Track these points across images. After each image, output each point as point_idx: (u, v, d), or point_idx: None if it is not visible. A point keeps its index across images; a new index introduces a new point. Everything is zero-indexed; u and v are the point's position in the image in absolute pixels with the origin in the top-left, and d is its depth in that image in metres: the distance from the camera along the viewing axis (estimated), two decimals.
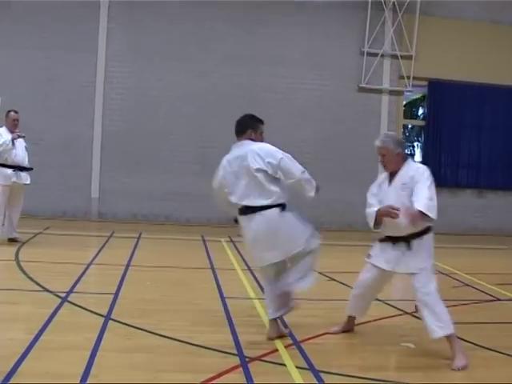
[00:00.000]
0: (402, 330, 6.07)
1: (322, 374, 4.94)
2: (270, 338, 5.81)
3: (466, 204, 17.30)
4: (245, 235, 5.89)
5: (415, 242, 5.58)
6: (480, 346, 5.87)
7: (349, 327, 6.24)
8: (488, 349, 5.88)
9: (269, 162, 5.66)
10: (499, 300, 8.32)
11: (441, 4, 16.92)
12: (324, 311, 7.01)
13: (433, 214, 5.34)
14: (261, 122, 6.14)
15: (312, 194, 5.82)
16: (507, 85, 17.26)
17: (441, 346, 5.60)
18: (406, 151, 5.54)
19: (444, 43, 16.99)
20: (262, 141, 6.02)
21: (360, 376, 4.98)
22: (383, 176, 5.88)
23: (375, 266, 5.78)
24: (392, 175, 5.75)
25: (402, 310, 7.22)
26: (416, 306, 7.20)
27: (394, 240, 5.66)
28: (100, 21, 15.71)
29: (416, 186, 5.48)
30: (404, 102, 18.92)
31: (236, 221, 6.06)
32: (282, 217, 5.70)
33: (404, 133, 17.96)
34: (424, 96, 18.86)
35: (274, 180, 5.69)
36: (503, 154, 17.66)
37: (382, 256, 5.75)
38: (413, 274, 5.56)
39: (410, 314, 6.95)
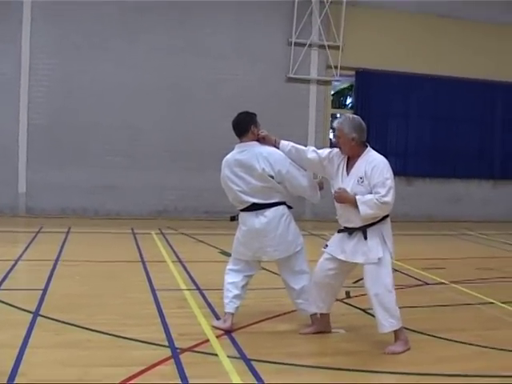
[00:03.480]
0: (332, 316, 6.14)
1: (253, 363, 4.97)
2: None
3: (395, 191, 17.47)
4: (246, 230, 5.91)
5: (371, 233, 5.52)
6: (409, 330, 5.98)
7: (322, 328, 6.02)
8: (417, 332, 6.03)
9: (279, 171, 5.76)
10: (427, 284, 8.56)
11: None
12: (254, 300, 7.03)
13: (363, 211, 5.39)
14: (255, 114, 6.07)
15: (317, 198, 6.10)
16: (432, 74, 17.61)
17: (371, 331, 5.71)
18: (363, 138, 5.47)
19: (370, 33, 17.22)
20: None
21: (292, 363, 5.04)
22: (340, 157, 5.71)
23: (332, 256, 5.67)
24: (349, 162, 5.64)
25: None
26: (346, 292, 7.33)
27: (350, 231, 5.60)
28: (23, 10, 15.26)
29: (376, 186, 5.48)
30: (332, 92, 19.12)
31: (232, 219, 6.12)
32: (288, 215, 5.93)
33: (332, 122, 18.10)
34: (352, 85, 19.09)
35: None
36: (430, 142, 18.04)
37: (338, 246, 5.66)
38: (367, 264, 5.50)
39: (341, 300, 7.03)
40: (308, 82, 17.21)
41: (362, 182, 5.50)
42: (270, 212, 5.80)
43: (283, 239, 5.85)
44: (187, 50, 16.17)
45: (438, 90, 17.93)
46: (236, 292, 5.97)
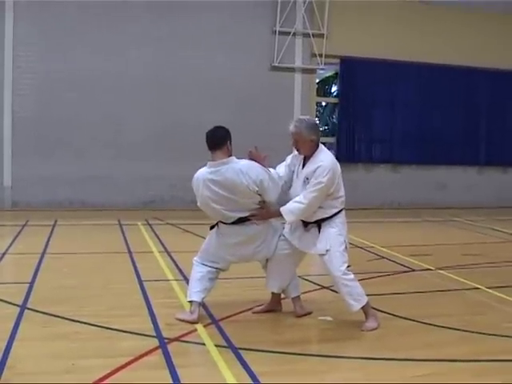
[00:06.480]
0: (319, 304, 6.19)
1: (241, 351, 4.99)
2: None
3: (381, 179, 17.64)
4: (231, 238, 5.84)
5: (325, 225, 5.70)
6: (396, 316, 6.06)
7: (273, 306, 6.22)
8: (404, 318, 6.08)
9: (261, 181, 5.59)
10: (414, 271, 8.59)
11: None
12: (241, 289, 7.10)
13: (289, 218, 5.66)
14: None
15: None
16: (417, 61, 17.62)
17: (357, 319, 5.74)
18: (320, 134, 5.61)
19: (355, 21, 17.20)
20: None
21: (279, 351, 5.06)
22: (298, 159, 5.86)
23: (287, 239, 5.90)
24: (304, 163, 5.76)
25: (319, 285, 7.35)
26: None
27: (305, 223, 5.80)
28: (6, 1, 15.13)
29: (307, 186, 5.60)
30: (317, 80, 19.10)
31: (212, 228, 6.04)
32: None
33: (318, 110, 18.15)
34: (336, 73, 19.08)
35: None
36: (415, 128, 18.05)
37: (294, 234, 5.87)
38: (322, 254, 5.67)
39: (328, 288, 7.07)
40: (293, 70, 17.18)
41: (308, 182, 5.63)
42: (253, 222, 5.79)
43: (270, 240, 5.92)
44: (171, 39, 16.09)
45: (423, 77, 17.98)
46: (206, 284, 5.94)
